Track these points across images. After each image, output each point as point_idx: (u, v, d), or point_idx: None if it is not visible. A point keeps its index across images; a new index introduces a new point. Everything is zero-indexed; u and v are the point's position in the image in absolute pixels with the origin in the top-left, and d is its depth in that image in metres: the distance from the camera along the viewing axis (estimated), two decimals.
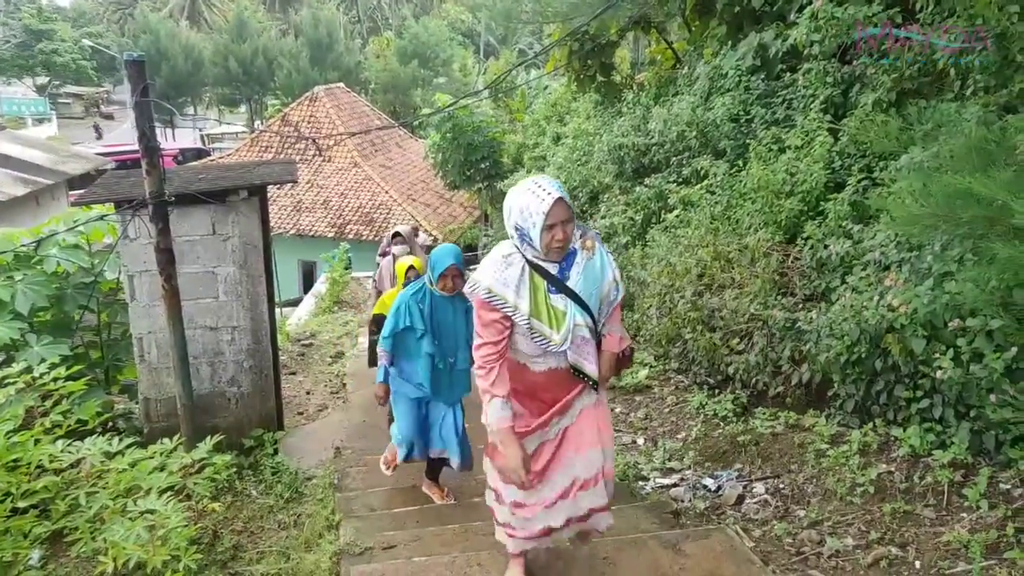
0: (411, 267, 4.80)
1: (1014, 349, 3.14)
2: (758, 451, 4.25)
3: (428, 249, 13.96)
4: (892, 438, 3.74)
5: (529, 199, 2.45)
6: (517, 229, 2.52)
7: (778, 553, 3.36)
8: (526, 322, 2.53)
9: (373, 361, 5.15)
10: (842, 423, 4.12)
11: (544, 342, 2.57)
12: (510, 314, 2.54)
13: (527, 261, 2.56)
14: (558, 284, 2.56)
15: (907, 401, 3.72)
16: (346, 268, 16.16)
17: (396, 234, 6.59)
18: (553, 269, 2.57)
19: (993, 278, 2.99)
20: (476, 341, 2.62)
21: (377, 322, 4.77)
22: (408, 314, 3.81)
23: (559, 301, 2.56)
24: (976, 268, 3.08)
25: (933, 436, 3.56)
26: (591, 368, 2.70)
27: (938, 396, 3.57)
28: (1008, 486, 3.24)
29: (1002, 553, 2.91)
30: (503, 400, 2.58)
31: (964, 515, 3.19)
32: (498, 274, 2.54)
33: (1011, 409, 3.12)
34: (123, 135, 38.17)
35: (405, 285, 4.54)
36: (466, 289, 2.65)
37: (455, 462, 4.08)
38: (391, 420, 5.24)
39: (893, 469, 3.58)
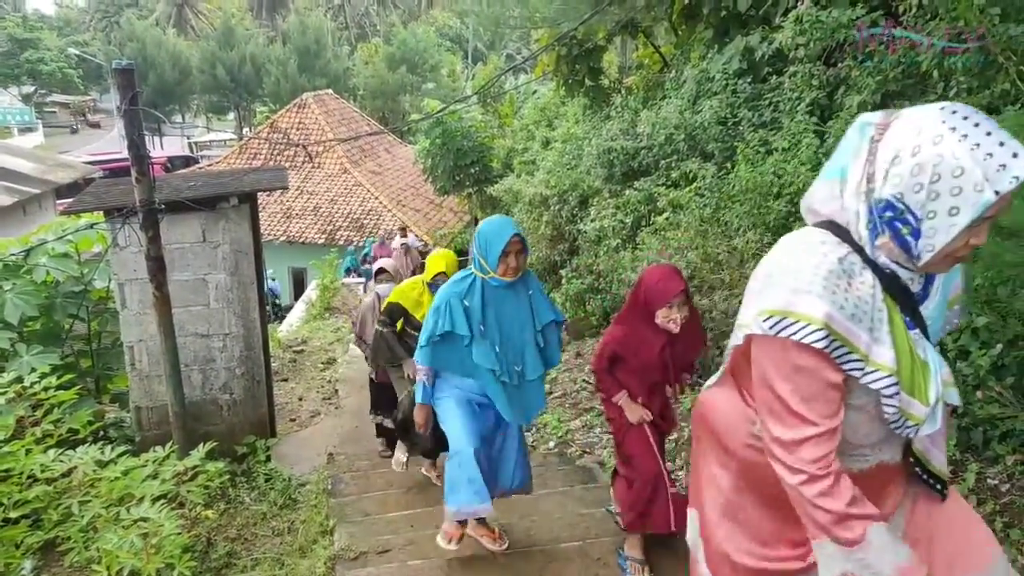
0: (442, 272, 3.99)
1: (999, 346, 3.18)
2: None
3: (424, 254, 13.72)
4: None
5: (976, 162, 1.22)
6: (895, 205, 1.32)
7: None
8: (894, 389, 1.39)
9: (376, 359, 4.59)
10: None
11: (898, 420, 1.43)
12: (858, 374, 1.39)
13: (874, 269, 1.40)
14: (912, 311, 1.45)
15: None
16: (365, 254, 16.09)
17: (381, 270, 5.68)
18: (916, 283, 1.45)
19: (978, 276, 3.03)
20: (793, 432, 1.40)
21: (391, 312, 4.21)
22: (448, 314, 2.95)
23: (918, 342, 1.44)
24: (960, 266, 3.12)
25: None
26: (940, 460, 1.59)
27: None
28: (996, 481, 3.28)
29: None
30: (889, 532, 1.41)
31: None
32: (839, 295, 1.35)
33: (997, 405, 3.16)
34: (111, 143, 37.98)
35: (432, 289, 3.96)
36: (767, 325, 1.39)
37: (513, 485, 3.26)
38: (382, 431, 5.15)
39: None
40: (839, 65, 5.53)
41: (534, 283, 3.11)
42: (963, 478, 3.31)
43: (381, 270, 5.65)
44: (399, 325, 4.28)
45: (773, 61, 6.49)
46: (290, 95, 31.65)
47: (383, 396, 4.89)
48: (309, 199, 20.88)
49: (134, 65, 4.02)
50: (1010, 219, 2.32)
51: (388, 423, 4.86)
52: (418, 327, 3.88)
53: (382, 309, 4.34)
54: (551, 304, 3.15)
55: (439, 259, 4.09)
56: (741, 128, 6.33)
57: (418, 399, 3.21)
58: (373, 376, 4.98)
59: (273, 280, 16.49)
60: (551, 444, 5.37)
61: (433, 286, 4.01)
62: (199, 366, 4.86)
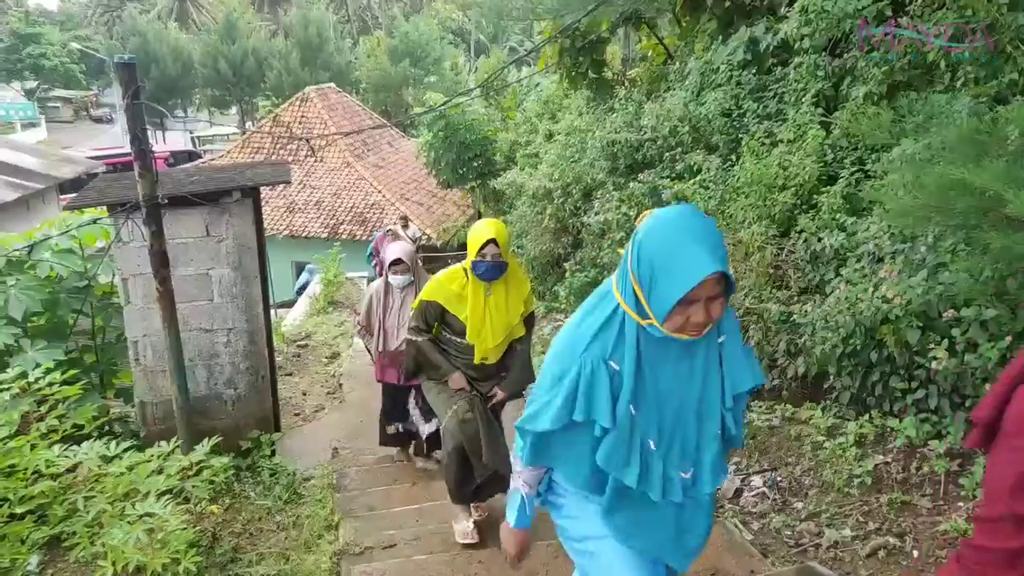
0: (491, 240, 3.07)
1: (1008, 338, 3.16)
2: (755, 444, 4.27)
3: (427, 247, 13.38)
4: (888, 429, 3.76)
5: None
6: None
7: (777, 545, 3.38)
8: None
9: (409, 375, 3.66)
10: (838, 415, 4.13)
11: None
12: None
13: None
14: None
15: (903, 392, 3.73)
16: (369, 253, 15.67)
17: (397, 260, 4.44)
18: None
19: (986, 268, 3.01)
20: None
21: (425, 314, 3.34)
22: (587, 390, 1.68)
23: None
24: (970, 258, 3.10)
25: (929, 426, 3.58)
26: None
27: (933, 386, 3.59)
28: None
29: None
30: None
31: (960, 504, 3.21)
32: None
33: None
34: (113, 138, 37.99)
35: (476, 270, 3.15)
36: None
37: None
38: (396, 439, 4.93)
39: (890, 460, 3.60)
40: (845, 56, 5.49)
41: (728, 323, 1.78)
42: (971, 471, 3.30)
43: (398, 260, 4.42)
44: (435, 329, 3.46)
45: (778, 52, 6.45)
46: (292, 89, 31.56)
47: (398, 402, 4.58)
48: (312, 193, 20.85)
49: (136, 60, 4.00)
50: (1020, 211, 2.29)
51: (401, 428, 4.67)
52: (459, 331, 3.30)
53: (413, 311, 3.52)
54: (752, 359, 1.83)
55: (488, 228, 3.09)
56: (746, 120, 6.29)
57: (512, 518, 1.98)
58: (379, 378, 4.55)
59: (310, 273, 16.07)
60: None
61: (480, 265, 3.13)
62: (203, 361, 4.86)
